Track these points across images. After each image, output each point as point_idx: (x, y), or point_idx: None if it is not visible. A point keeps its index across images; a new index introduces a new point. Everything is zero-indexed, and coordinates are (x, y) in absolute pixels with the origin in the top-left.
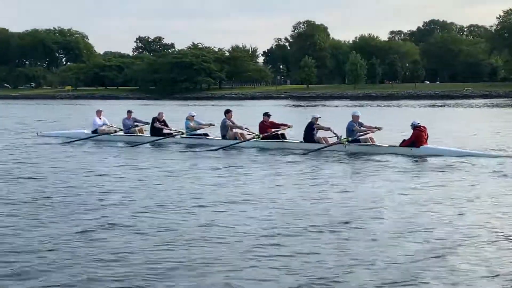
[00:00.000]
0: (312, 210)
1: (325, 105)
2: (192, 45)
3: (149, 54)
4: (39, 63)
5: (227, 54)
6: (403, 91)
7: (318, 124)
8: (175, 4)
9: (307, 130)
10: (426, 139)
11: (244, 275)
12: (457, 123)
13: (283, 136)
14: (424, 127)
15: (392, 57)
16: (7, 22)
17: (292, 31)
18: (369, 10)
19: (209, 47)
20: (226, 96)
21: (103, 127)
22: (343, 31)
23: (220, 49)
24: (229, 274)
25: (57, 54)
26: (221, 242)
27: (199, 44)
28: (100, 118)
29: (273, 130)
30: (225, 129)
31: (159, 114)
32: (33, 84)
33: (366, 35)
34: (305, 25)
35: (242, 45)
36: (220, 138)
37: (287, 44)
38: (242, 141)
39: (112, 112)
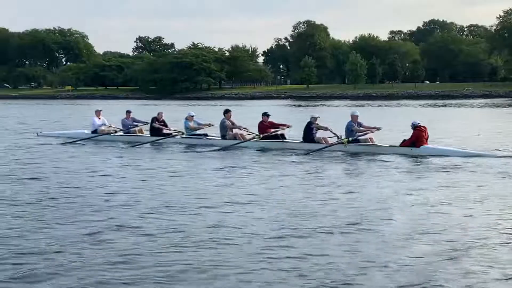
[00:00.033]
0: (319, 211)
1: (325, 105)
2: (192, 45)
3: (149, 54)
4: (39, 63)
5: (227, 54)
6: (403, 91)
7: (317, 123)
8: (175, 4)
9: (306, 130)
10: (427, 139)
11: (254, 278)
12: (457, 123)
13: (282, 136)
14: (424, 127)
15: (392, 57)
16: (7, 22)
17: (292, 31)
18: (369, 10)
19: (209, 47)
20: (226, 96)
21: (103, 127)
22: (343, 31)
23: (220, 49)
24: (239, 277)
25: (57, 54)
26: (229, 243)
27: (199, 44)
28: (99, 118)
29: (272, 130)
30: (225, 129)
31: (158, 114)
32: (34, 84)
33: (366, 35)
34: (305, 25)
35: (242, 45)
36: (220, 138)
37: (287, 44)
38: (243, 141)
39: (112, 112)
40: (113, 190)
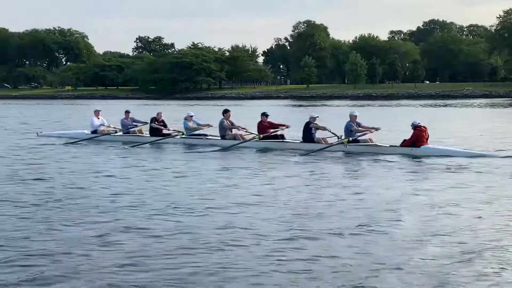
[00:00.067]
0: (326, 212)
1: (326, 105)
2: (192, 45)
3: (149, 54)
4: (39, 63)
5: (227, 54)
6: (403, 91)
7: (315, 123)
8: (175, 4)
9: (306, 130)
10: (427, 139)
11: (265, 281)
12: (458, 123)
13: (282, 136)
14: (424, 127)
15: (392, 57)
16: (7, 22)
17: (292, 31)
18: (369, 10)
19: (209, 47)
20: (226, 96)
21: (102, 128)
22: (343, 31)
23: (220, 49)
24: (250, 280)
25: (57, 54)
26: (238, 245)
27: (199, 44)
28: (98, 118)
29: (272, 130)
30: (224, 129)
31: (157, 114)
32: (36, 84)
33: (366, 35)
34: (305, 25)
35: (242, 45)
36: (219, 139)
37: (287, 44)
38: (243, 142)
39: (111, 112)
40: (118, 191)
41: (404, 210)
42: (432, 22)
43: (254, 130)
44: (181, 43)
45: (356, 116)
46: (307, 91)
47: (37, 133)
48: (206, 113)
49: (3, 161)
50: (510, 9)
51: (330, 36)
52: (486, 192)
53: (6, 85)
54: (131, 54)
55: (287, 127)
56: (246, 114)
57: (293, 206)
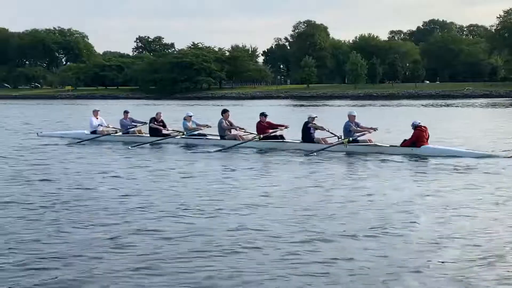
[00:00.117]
0: (338, 214)
1: (326, 105)
2: (192, 45)
3: (149, 54)
4: (39, 63)
5: (227, 54)
6: (403, 90)
7: (314, 123)
8: (175, 4)
9: (305, 130)
10: (427, 139)
11: (281, 285)
12: (459, 123)
13: (281, 137)
14: (425, 127)
15: (393, 57)
16: (7, 22)
17: (292, 31)
18: (369, 10)
19: (209, 47)
20: (226, 96)
21: (102, 128)
22: (343, 31)
23: (220, 49)
24: (267, 284)
25: (57, 54)
26: (252, 247)
27: (199, 44)
28: (97, 118)
29: (271, 131)
30: (223, 129)
31: (157, 114)
32: (36, 84)
33: (366, 35)
34: (305, 25)
35: (242, 45)
36: (219, 139)
37: (287, 44)
38: (244, 142)
39: (112, 112)
40: (126, 192)
41: (417, 212)
42: (432, 22)
43: (254, 130)
44: (181, 43)
45: (354, 116)
46: (307, 91)
47: (37, 133)
48: (206, 113)
49: (7, 162)
50: (510, 9)
51: (330, 36)
52: (496, 193)
53: (6, 85)
54: (131, 54)
55: (286, 127)
56: (246, 114)
57: (303, 207)
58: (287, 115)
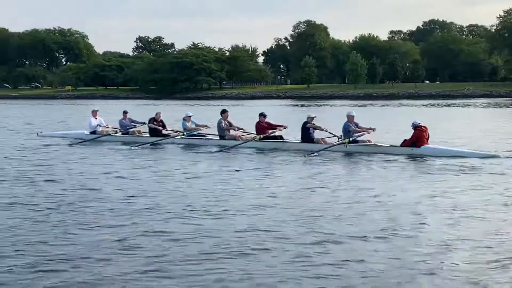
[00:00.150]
0: (345, 215)
1: (328, 105)
2: (192, 45)
3: (149, 54)
4: (39, 63)
5: (227, 54)
6: (403, 90)
7: (313, 123)
8: (175, 4)
9: (304, 130)
10: (427, 139)
11: (293, 287)
12: (460, 123)
13: (280, 137)
14: (425, 127)
15: (393, 57)
16: (7, 22)
17: (293, 31)
18: (369, 10)
19: (209, 47)
20: (226, 96)
21: (101, 128)
22: (343, 31)
23: (220, 49)
24: (277, 286)
25: (57, 54)
26: (261, 249)
27: (199, 44)
28: (96, 118)
29: (270, 131)
30: (222, 129)
31: (156, 114)
32: (37, 84)
33: (366, 35)
34: (305, 25)
35: (242, 45)
36: (219, 139)
37: (287, 44)
38: (244, 142)
39: (111, 112)
40: (131, 193)
41: (425, 213)
42: (432, 22)
43: (253, 131)
44: (181, 43)
45: (353, 116)
46: (308, 91)
47: (37, 133)
48: (207, 113)
49: (10, 162)
50: (510, 9)
51: (330, 36)
52: (505, 194)
53: (6, 85)
54: (131, 54)
55: (285, 127)
56: (247, 114)
57: (310, 208)
58: (287, 115)
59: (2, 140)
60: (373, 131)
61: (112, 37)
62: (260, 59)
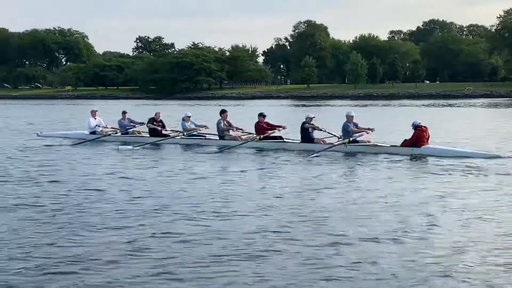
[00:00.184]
0: (355, 216)
1: (329, 105)
2: (192, 45)
3: (149, 54)
4: (39, 63)
5: (227, 54)
6: (404, 90)
7: (312, 124)
8: (175, 4)
9: (303, 130)
10: (427, 139)
11: None
12: (462, 123)
13: (280, 137)
14: (425, 127)
15: (393, 57)
16: (7, 22)
17: (293, 31)
18: (369, 10)
19: (209, 47)
20: (226, 96)
21: (100, 128)
22: (343, 31)
23: (220, 49)
24: None
25: (57, 54)
26: (272, 250)
27: (199, 44)
28: (95, 119)
29: (270, 131)
30: (220, 130)
31: (156, 114)
32: (37, 84)
33: (366, 35)
34: (306, 25)
35: (242, 45)
36: (218, 139)
37: (287, 44)
38: (244, 142)
39: (112, 113)
40: (137, 194)
41: (434, 214)
42: (432, 22)
43: (252, 131)
44: (181, 43)
45: (352, 116)
46: (308, 91)
47: (37, 134)
48: (207, 113)
49: (13, 163)
50: (510, 9)
51: (330, 36)
52: (510, 194)
53: (6, 85)
54: (131, 54)
55: (284, 128)
56: (247, 114)
57: (318, 209)
58: (288, 115)
59: (3, 141)
60: (372, 131)
61: (112, 37)
62: (260, 59)
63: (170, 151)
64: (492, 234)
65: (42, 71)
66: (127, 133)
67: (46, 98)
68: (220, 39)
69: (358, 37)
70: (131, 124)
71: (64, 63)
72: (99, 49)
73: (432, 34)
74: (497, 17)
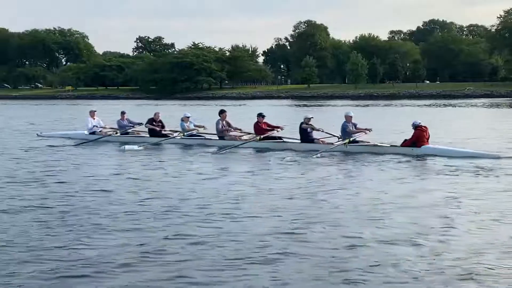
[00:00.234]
0: (369, 217)
1: (329, 105)
2: (192, 45)
3: (149, 54)
4: (39, 63)
5: (228, 54)
6: (404, 90)
7: (310, 124)
8: (175, 4)
9: (301, 131)
10: (427, 139)
11: None
12: (461, 123)
13: (279, 137)
14: (425, 127)
15: (393, 57)
16: (7, 22)
17: (293, 31)
18: (369, 10)
19: (209, 47)
20: (227, 96)
21: (99, 128)
22: (343, 31)
23: (220, 49)
24: None
25: (57, 54)
26: (288, 253)
27: (200, 44)
28: (94, 119)
29: (269, 132)
30: (219, 130)
31: (155, 114)
32: (37, 84)
33: (366, 35)
34: (306, 25)
35: (242, 45)
36: (218, 139)
37: (287, 44)
38: (244, 142)
39: (112, 113)
40: (145, 195)
41: (449, 215)
42: (432, 22)
43: (251, 131)
44: (181, 43)
45: (351, 116)
46: (308, 91)
47: (37, 134)
48: (208, 113)
49: (17, 164)
50: (511, 9)
51: (331, 36)
52: None
53: (6, 85)
54: (131, 54)
55: (282, 129)
56: (247, 114)
57: (328, 211)
58: (288, 115)
59: (6, 141)
60: (370, 132)
61: (112, 37)
62: (260, 59)
63: (172, 152)
64: (509, 236)
65: (42, 71)
66: (127, 133)
67: (46, 98)
68: (220, 39)
69: (358, 37)
70: (130, 124)
71: (64, 63)
72: (99, 49)
73: (432, 34)
74: (497, 17)
